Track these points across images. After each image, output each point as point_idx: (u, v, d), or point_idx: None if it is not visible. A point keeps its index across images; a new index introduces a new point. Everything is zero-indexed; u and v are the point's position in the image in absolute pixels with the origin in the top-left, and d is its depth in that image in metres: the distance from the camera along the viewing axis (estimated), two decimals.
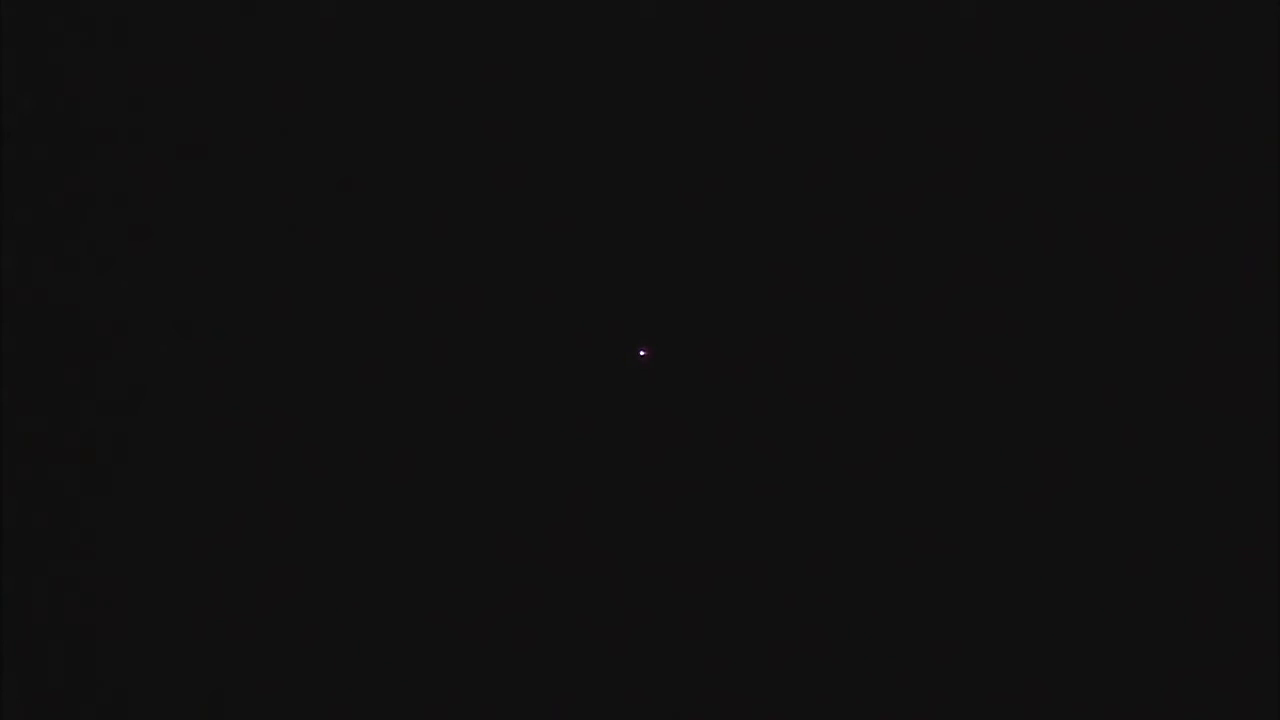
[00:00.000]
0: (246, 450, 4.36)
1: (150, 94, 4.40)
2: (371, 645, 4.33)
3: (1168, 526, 4.31)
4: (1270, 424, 4.30)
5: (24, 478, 4.31)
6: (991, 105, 4.41)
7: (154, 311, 4.38)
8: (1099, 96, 4.40)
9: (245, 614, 4.32)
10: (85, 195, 4.40)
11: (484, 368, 4.40)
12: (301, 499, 4.35)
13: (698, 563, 4.36)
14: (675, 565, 4.36)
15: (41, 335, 4.35)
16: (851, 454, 4.37)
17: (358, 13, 4.43)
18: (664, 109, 4.45)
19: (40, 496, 4.32)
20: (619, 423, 4.40)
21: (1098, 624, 4.29)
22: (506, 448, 4.38)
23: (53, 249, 4.37)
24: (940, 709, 4.28)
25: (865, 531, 4.35)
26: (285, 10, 4.42)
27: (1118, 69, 4.40)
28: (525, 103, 4.45)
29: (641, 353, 4.35)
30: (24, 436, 4.32)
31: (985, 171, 4.41)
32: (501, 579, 4.35)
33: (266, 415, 4.37)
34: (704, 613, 4.34)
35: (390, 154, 4.43)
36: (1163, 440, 4.33)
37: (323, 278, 4.40)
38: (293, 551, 4.34)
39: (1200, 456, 4.32)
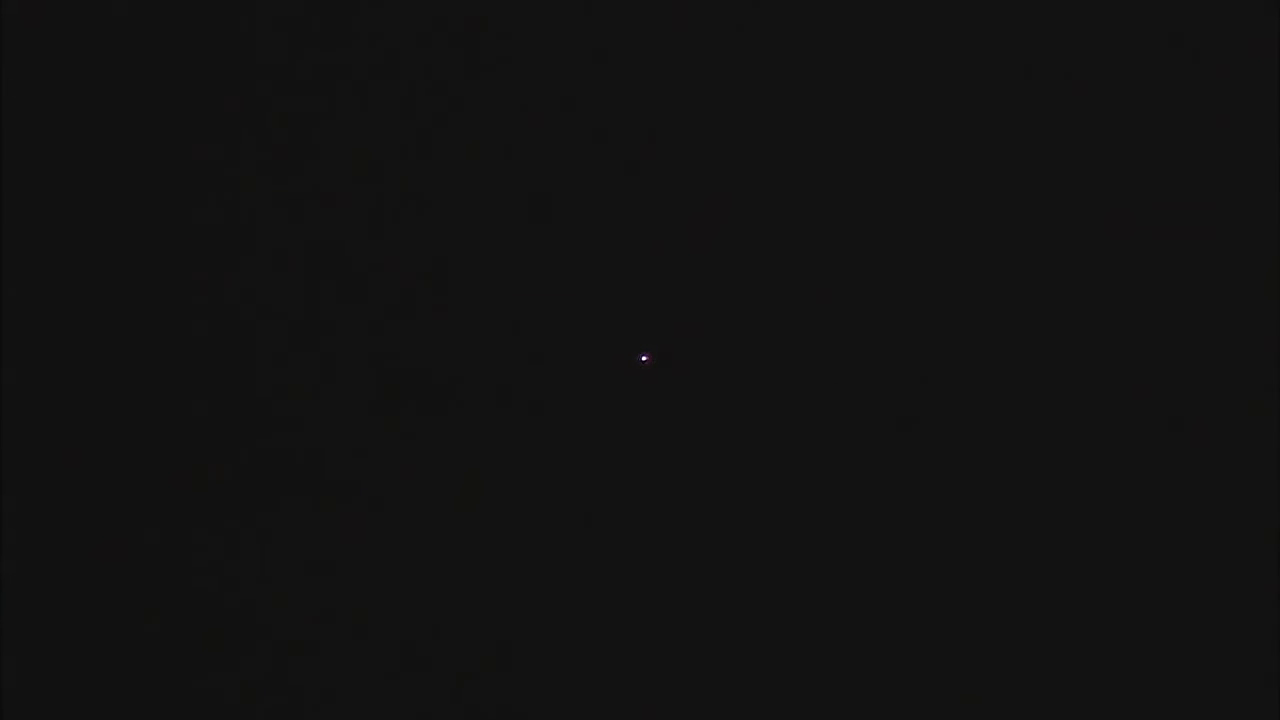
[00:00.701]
0: (248, 450, 4.37)
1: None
2: (372, 645, 4.33)
3: (1167, 527, 4.31)
4: (1270, 424, 4.30)
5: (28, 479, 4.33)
6: (990, 105, 4.42)
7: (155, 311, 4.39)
8: (1098, 96, 4.41)
9: (247, 613, 4.32)
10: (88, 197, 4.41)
11: (486, 371, 4.41)
12: (298, 499, 4.36)
13: (696, 565, 4.36)
14: (674, 568, 4.36)
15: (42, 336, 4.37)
16: (850, 456, 4.37)
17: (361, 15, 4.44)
18: (663, 110, 4.45)
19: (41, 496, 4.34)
20: (622, 425, 4.40)
21: (1097, 624, 4.29)
22: (510, 450, 4.39)
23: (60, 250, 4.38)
24: (940, 709, 4.29)
25: (865, 533, 4.35)
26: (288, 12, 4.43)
27: (1117, 69, 4.41)
28: (525, 104, 4.46)
29: (643, 358, 4.35)
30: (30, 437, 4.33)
31: (984, 173, 4.41)
32: (503, 580, 4.36)
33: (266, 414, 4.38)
34: (703, 614, 4.35)
35: (389, 155, 4.44)
36: (1161, 440, 4.34)
37: (320, 278, 4.41)
38: (292, 551, 4.34)
39: (1199, 456, 4.33)
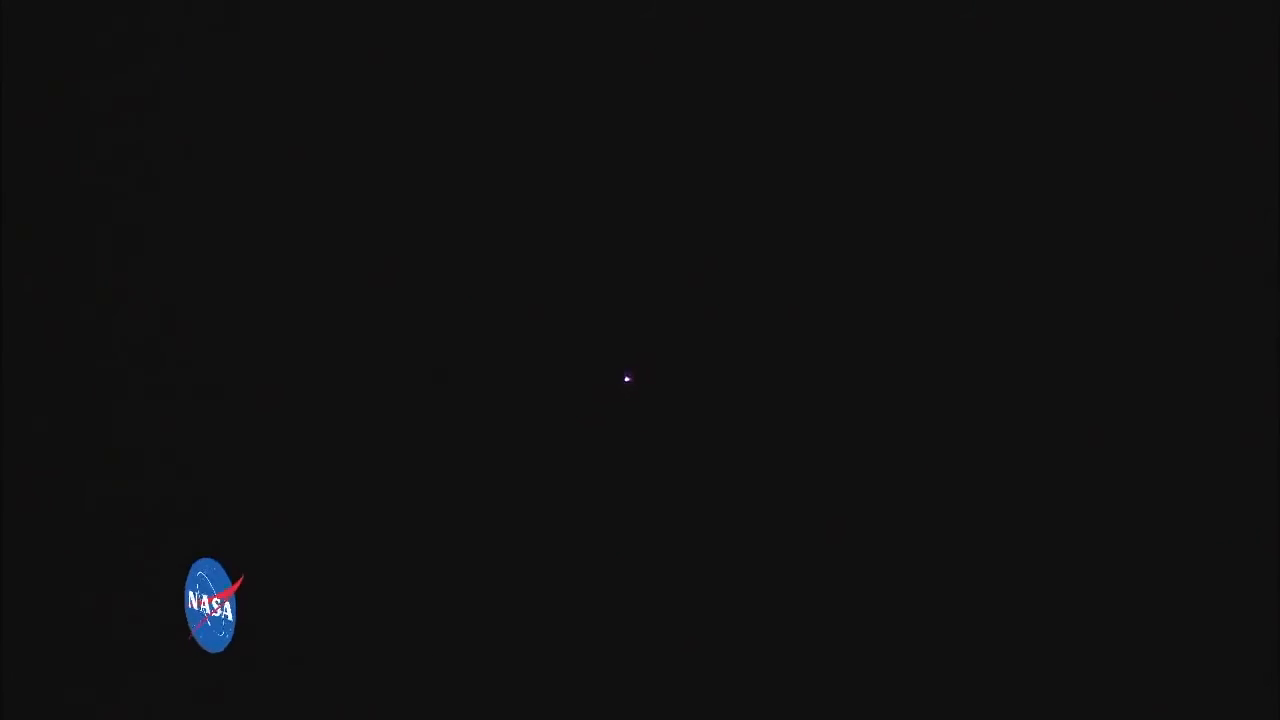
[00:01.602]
0: (249, 453, 4.38)
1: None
2: (370, 646, 4.34)
3: (1167, 526, 4.31)
4: (1270, 424, 4.29)
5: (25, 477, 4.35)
6: (988, 106, 4.41)
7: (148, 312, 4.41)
8: (1097, 97, 4.40)
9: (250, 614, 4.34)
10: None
11: (477, 377, 4.41)
12: (300, 502, 4.37)
13: (692, 569, 4.37)
14: (669, 571, 4.37)
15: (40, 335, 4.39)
16: (847, 459, 4.37)
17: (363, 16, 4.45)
18: (661, 114, 4.46)
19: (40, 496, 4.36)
20: (612, 433, 4.40)
21: (1097, 624, 4.29)
22: (499, 459, 4.39)
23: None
24: (939, 709, 4.28)
25: (863, 535, 4.35)
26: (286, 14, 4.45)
27: (1117, 69, 4.40)
28: (524, 107, 4.46)
29: (626, 377, 4.34)
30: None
31: (982, 174, 4.41)
32: (495, 587, 4.37)
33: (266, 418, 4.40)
34: (702, 616, 4.35)
35: (388, 157, 4.45)
36: (1160, 440, 4.33)
37: (319, 280, 4.43)
38: (290, 554, 4.36)
39: (1199, 456, 4.32)
